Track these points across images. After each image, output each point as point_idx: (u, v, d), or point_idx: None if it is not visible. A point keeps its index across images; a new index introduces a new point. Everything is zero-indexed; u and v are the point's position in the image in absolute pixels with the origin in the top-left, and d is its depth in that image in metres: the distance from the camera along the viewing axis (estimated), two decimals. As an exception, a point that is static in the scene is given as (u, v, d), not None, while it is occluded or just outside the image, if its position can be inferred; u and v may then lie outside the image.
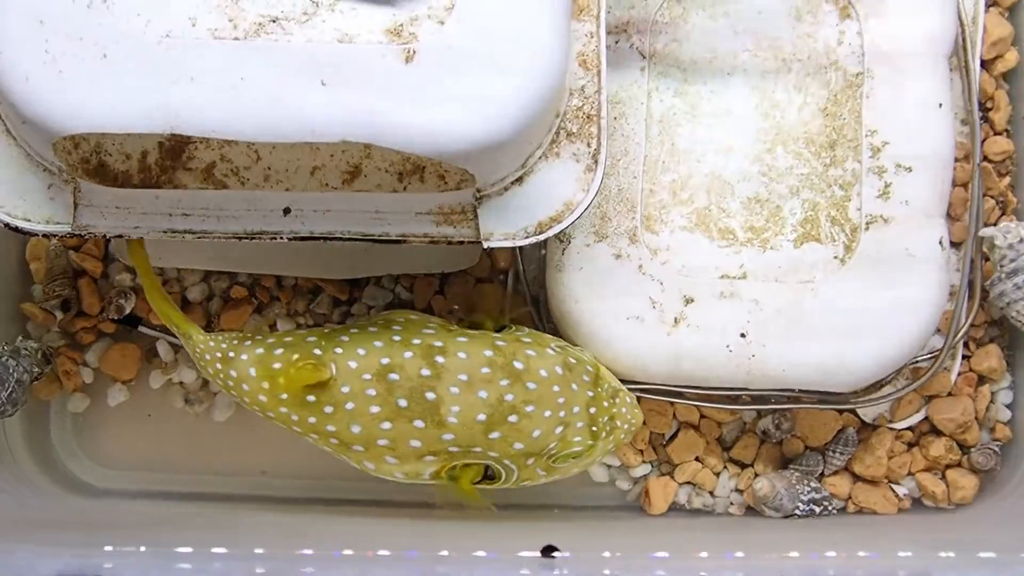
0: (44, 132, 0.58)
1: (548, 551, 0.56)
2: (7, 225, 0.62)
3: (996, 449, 0.76)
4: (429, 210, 0.64)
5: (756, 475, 0.75)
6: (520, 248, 0.74)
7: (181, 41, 0.57)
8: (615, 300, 0.69)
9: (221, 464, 0.78)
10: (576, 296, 0.70)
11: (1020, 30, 0.79)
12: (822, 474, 0.76)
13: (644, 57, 0.72)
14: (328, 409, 0.62)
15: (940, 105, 0.70)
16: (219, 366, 0.64)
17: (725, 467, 0.76)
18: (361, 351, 0.63)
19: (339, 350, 0.63)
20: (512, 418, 0.62)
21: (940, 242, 0.70)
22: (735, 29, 0.72)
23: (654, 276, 0.70)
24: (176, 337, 0.77)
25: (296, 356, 0.62)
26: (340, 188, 0.64)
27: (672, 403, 0.75)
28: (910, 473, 0.76)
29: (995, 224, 0.75)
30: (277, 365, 0.62)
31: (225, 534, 0.63)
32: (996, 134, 0.78)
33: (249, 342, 0.64)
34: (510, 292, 0.76)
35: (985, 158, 0.77)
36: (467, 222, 0.64)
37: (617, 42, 0.72)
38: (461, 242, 0.64)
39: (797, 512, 0.74)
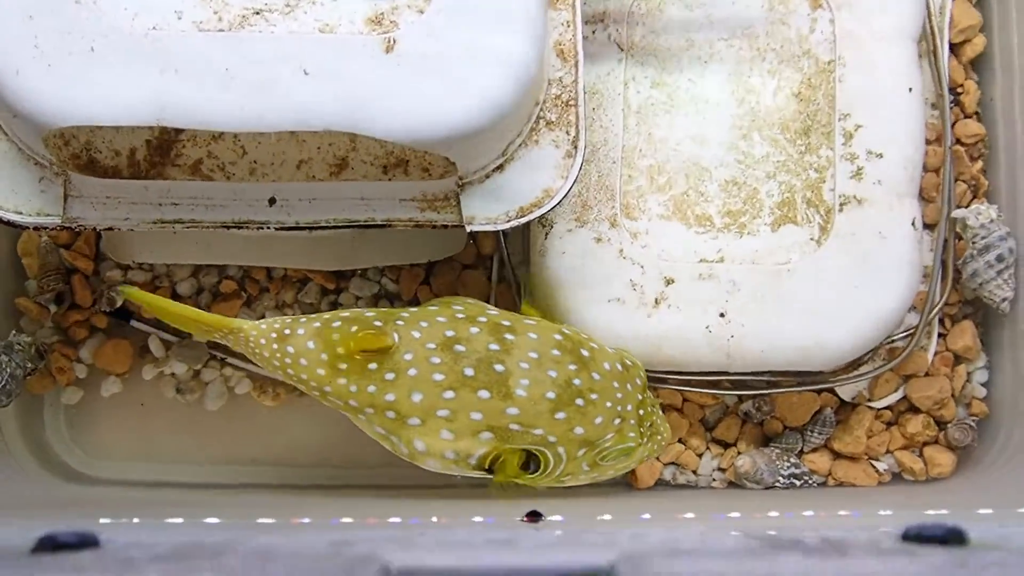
0: (35, 126, 0.59)
1: (533, 516, 0.57)
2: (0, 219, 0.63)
3: (972, 424, 0.77)
4: (413, 197, 0.66)
5: (739, 453, 0.77)
6: (504, 235, 0.76)
7: (167, 34, 0.59)
8: (597, 283, 0.71)
9: (213, 453, 0.79)
10: (559, 280, 0.72)
11: (987, 17, 0.80)
12: (801, 451, 0.77)
13: (621, 49, 0.74)
14: (390, 376, 0.61)
15: (910, 89, 0.72)
16: (275, 346, 0.63)
17: (708, 447, 0.78)
18: (424, 323, 0.62)
19: (400, 322, 0.62)
20: (579, 402, 0.61)
21: (913, 222, 0.72)
22: (710, 18, 0.73)
23: (635, 260, 0.71)
24: (174, 335, 0.78)
25: (355, 328, 0.62)
26: (326, 180, 0.65)
27: (656, 388, 0.76)
28: (888, 451, 0.78)
29: (967, 207, 0.77)
30: (336, 336, 0.62)
31: (217, 511, 0.63)
32: (967, 117, 0.79)
33: (304, 319, 0.64)
34: (495, 279, 0.78)
35: (958, 141, 0.79)
36: (450, 208, 0.65)
37: (594, 32, 0.74)
38: (445, 226, 0.65)
39: (778, 484, 0.75)
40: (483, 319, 0.63)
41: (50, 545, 0.39)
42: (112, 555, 0.37)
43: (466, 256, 0.79)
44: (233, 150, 0.65)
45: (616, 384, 0.63)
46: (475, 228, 0.65)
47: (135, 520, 0.52)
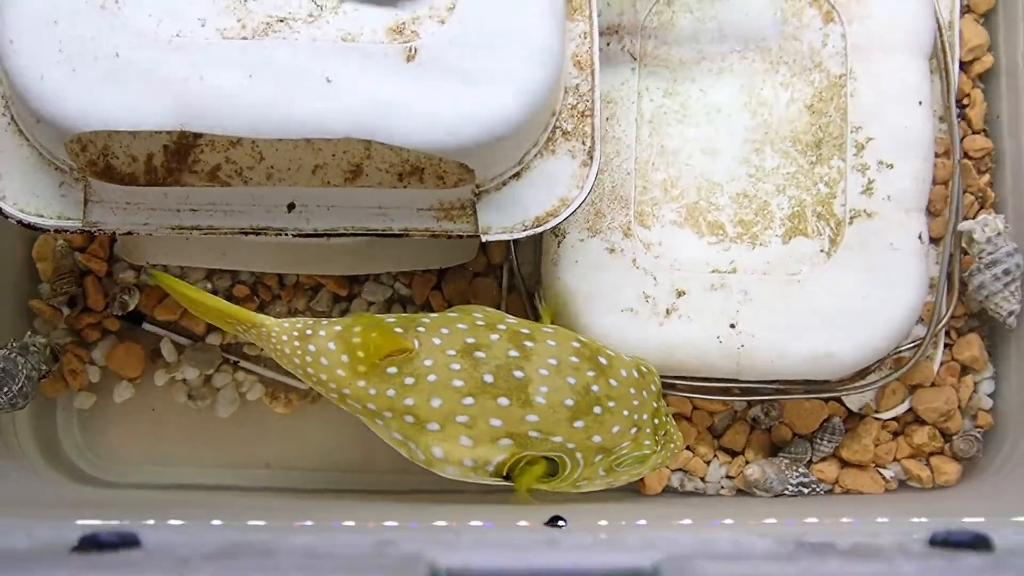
0: (58, 130, 0.60)
1: (554, 521, 0.57)
2: (20, 222, 0.63)
3: (978, 436, 0.78)
4: (430, 206, 0.66)
5: (747, 462, 0.77)
6: (515, 244, 0.77)
7: (191, 41, 0.60)
8: (609, 293, 0.72)
9: (225, 459, 0.79)
10: (571, 289, 0.72)
11: (994, 35, 0.82)
12: (810, 461, 0.78)
13: (634, 59, 0.74)
14: (409, 380, 0.61)
15: (920, 103, 0.73)
16: (296, 344, 0.63)
17: (715, 455, 0.78)
18: (444, 330, 0.63)
19: (421, 329, 0.63)
20: (596, 409, 0.62)
21: (920, 236, 0.72)
22: (723, 31, 0.74)
23: (647, 270, 0.72)
24: (187, 338, 0.79)
25: (375, 334, 0.62)
26: (341, 186, 0.66)
27: (665, 395, 0.76)
28: (896, 459, 0.78)
29: (974, 218, 0.78)
30: (356, 340, 0.62)
31: (235, 512, 0.64)
32: (974, 132, 0.80)
33: (326, 321, 0.64)
34: (506, 287, 0.78)
35: (966, 155, 0.80)
36: (466, 217, 0.66)
37: (608, 44, 0.74)
38: (461, 236, 0.66)
39: (786, 492, 0.76)
40: (502, 326, 0.64)
41: (93, 544, 0.39)
42: (161, 553, 0.38)
43: (477, 264, 0.79)
44: (251, 155, 0.66)
45: (633, 391, 0.64)
46: (491, 238, 0.65)
47: (150, 522, 0.52)
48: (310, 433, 0.79)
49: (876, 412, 0.78)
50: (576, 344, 0.64)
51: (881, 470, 0.78)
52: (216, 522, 0.52)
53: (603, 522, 0.60)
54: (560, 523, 0.55)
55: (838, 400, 0.78)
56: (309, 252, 0.77)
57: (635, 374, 0.65)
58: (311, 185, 0.66)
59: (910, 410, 0.78)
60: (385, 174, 0.66)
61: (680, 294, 0.72)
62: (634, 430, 0.63)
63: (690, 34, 0.75)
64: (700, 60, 0.74)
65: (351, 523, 0.54)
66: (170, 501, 0.74)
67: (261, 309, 0.79)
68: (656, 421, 0.65)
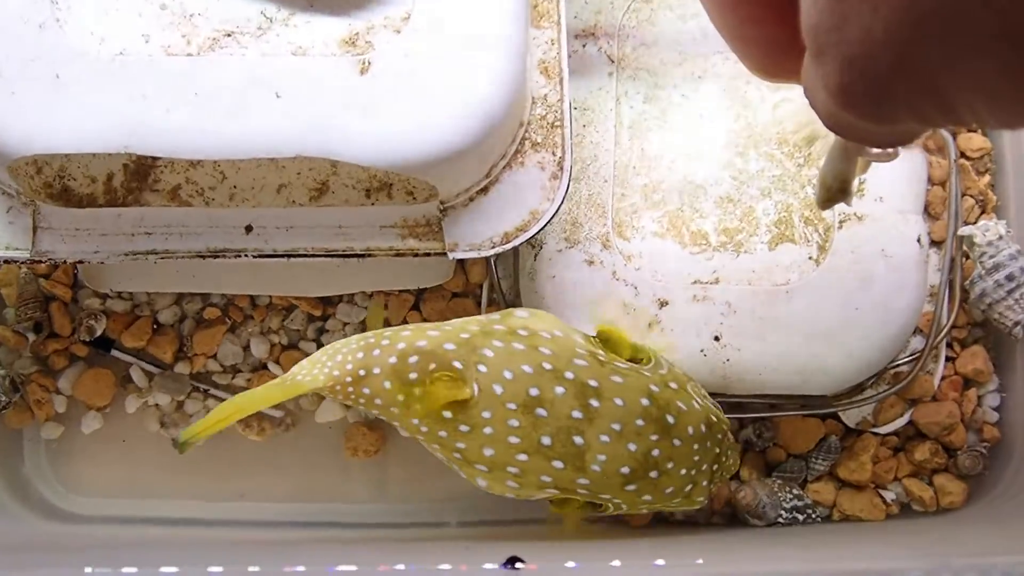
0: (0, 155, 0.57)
1: (512, 562, 0.54)
2: (-34, 252, 0.61)
3: (983, 451, 0.74)
4: (394, 223, 0.63)
5: (742, 482, 0.74)
6: (495, 259, 0.74)
7: (134, 59, 0.57)
8: (589, 306, 0.68)
9: (199, 488, 0.77)
10: (549, 303, 0.69)
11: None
12: (805, 480, 0.74)
13: (612, 61, 0.71)
14: (463, 428, 0.58)
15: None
16: (350, 390, 0.59)
17: (709, 477, 0.75)
18: (508, 374, 0.58)
19: (483, 368, 0.58)
20: (653, 474, 0.59)
21: (918, 240, 0.69)
22: (705, 30, 0.71)
23: (627, 281, 0.68)
24: (156, 366, 0.76)
25: (433, 366, 0.58)
26: (307, 205, 0.63)
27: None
28: (896, 478, 0.74)
29: (975, 223, 0.74)
30: (413, 375, 0.58)
31: (207, 553, 0.61)
32: (970, 130, 0.76)
33: (378, 351, 0.59)
34: (485, 304, 0.75)
35: (963, 155, 0.76)
36: (432, 234, 0.63)
37: (584, 46, 0.71)
38: (427, 254, 0.63)
39: (780, 520, 0.72)
40: (570, 375, 0.59)
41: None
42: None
43: (455, 284, 0.76)
44: (212, 175, 0.63)
45: (696, 447, 0.61)
46: (458, 255, 0.62)
47: (123, 570, 0.49)
48: (285, 461, 0.77)
49: (874, 426, 0.74)
50: (645, 402, 0.60)
51: (881, 491, 0.74)
52: (171, 569, 0.50)
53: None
54: (519, 565, 0.52)
55: (834, 417, 0.74)
56: (280, 272, 0.75)
57: (703, 428, 0.61)
58: (276, 204, 0.63)
59: (910, 423, 0.74)
60: (352, 191, 0.63)
61: (662, 304, 0.68)
62: (689, 487, 0.62)
63: (671, 33, 0.71)
64: (681, 62, 0.71)
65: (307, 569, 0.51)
66: (139, 540, 0.71)
67: (233, 330, 0.77)
68: (715, 467, 0.63)
